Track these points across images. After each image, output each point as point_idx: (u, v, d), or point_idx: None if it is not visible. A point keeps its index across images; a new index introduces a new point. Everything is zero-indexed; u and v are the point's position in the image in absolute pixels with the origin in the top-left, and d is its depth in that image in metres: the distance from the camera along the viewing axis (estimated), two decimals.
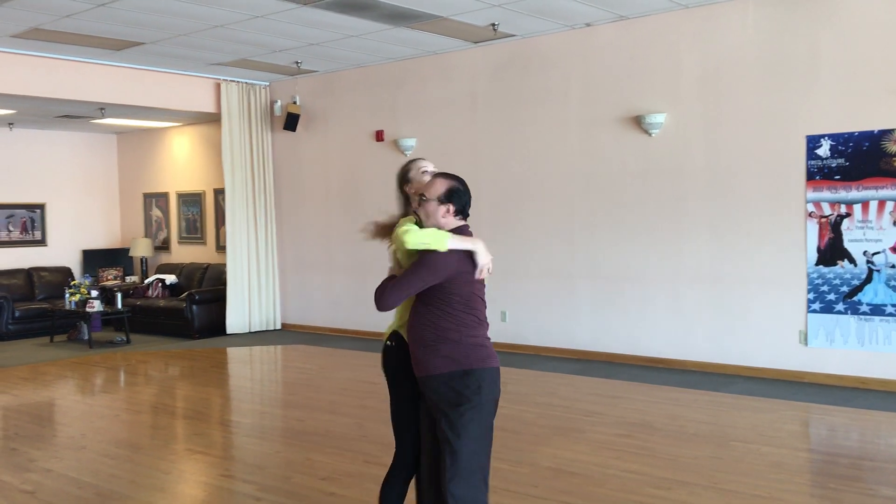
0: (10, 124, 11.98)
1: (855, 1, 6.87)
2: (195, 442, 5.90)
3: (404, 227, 3.10)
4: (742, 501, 4.32)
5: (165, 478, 5.03)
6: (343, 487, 4.67)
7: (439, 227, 3.12)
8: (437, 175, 3.22)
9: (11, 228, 12.38)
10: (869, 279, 6.90)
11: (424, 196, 3.15)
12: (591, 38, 8.35)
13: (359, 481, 4.73)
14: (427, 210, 3.14)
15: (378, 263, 10.01)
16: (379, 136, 10.19)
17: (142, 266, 12.98)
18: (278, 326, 11.46)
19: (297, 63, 9.96)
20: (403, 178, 3.47)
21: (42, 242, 12.71)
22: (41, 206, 12.68)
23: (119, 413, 6.95)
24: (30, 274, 12.14)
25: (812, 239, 7.14)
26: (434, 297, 3.07)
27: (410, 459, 3.32)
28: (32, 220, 12.61)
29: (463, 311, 3.08)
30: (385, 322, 3.47)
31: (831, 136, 7.01)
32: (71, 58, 9.43)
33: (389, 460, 3.43)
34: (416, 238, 3.04)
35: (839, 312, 7.04)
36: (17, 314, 11.19)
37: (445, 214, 3.14)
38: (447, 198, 3.15)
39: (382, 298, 3.04)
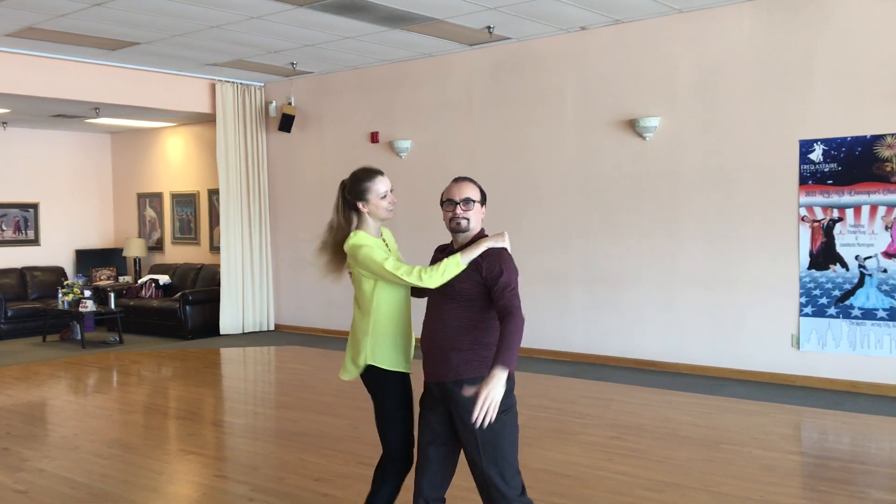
0: (3, 123, 11.95)
1: (850, 7, 6.91)
2: (188, 442, 5.90)
3: (427, 274, 3.06)
4: None
5: (158, 478, 5.03)
6: (337, 488, 4.68)
7: (476, 229, 3.14)
8: (464, 179, 3.19)
9: (4, 228, 12.35)
10: (861, 283, 6.94)
11: (471, 198, 3.12)
12: (586, 41, 8.38)
13: (352, 482, 4.74)
14: (475, 212, 3.12)
15: None
16: (374, 137, 10.20)
17: (135, 266, 12.95)
18: (272, 327, 11.46)
19: (292, 64, 9.96)
20: (361, 191, 3.33)
21: (35, 242, 12.68)
22: (34, 206, 12.65)
23: (112, 413, 6.93)
24: (22, 273, 12.10)
25: (805, 243, 7.18)
26: (477, 301, 3.04)
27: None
28: (25, 220, 12.58)
29: (495, 315, 3.04)
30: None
31: (824, 141, 7.05)
32: (66, 57, 9.42)
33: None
34: (440, 277, 3.06)
35: (831, 316, 7.07)
36: (9, 314, 11.16)
37: (483, 216, 3.19)
38: (483, 199, 3.20)
39: (521, 315, 2.94)
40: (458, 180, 3.19)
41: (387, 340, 3.30)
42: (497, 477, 2.99)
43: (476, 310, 3.04)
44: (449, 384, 3.05)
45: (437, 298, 3.14)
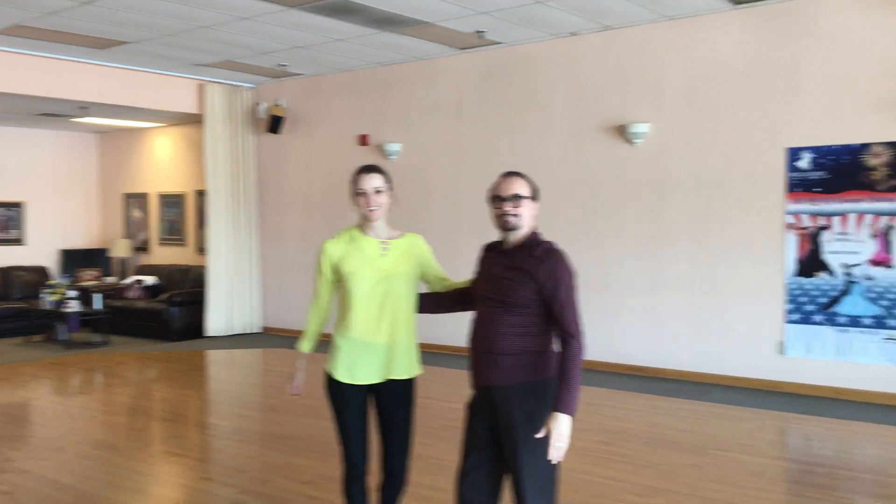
0: None
1: (838, 16, 6.97)
2: (173, 444, 5.86)
3: (308, 313, 3.51)
4: None
5: (144, 480, 5.00)
6: (325, 492, 4.65)
7: (526, 227, 2.99)
8: (514, 174, 3.03)
9: None
10: (847, 291, 6.98)
11: (520, 194, 2.96)
12: (576, 47, 8.41)
13: (340, 486, 4.71)
14: (525, 209, 2.97)
15: None
16: (363, 140, 10.18)
17: (121, 267, 12.87)
18: (259, 329, 11.41)
19: (282, 66, 9.94)
20: (351, 184, 3.38)
21: (19, 241, 12.57)
22: (19, 205, 12.55)
23: (96, 414, 6.88)
24: (6, 273, 11.99)
25: (791, 250, 7.23)
26: (530, 307, 2.93)
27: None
28: (10, 219, 12.47)
29: (546, 321, 2.97)
30: None
31: (812, 149, 7.10)
32: (54, 55, 9.35)
33: (370, 465, 3.43)
34: (304, 326, 3.48)
35: (817, 323, 7.12)
36: None
37: (535, 212, 3.02)
38: (535, 195, 3.03)
39: (581, 339, 2.93)
40: (506, 175, 3.03)
41: (335, 343, 3.36)
42: (531, 485, 2.92)
43: (528, 316, 2.94)
44: (494, 388, 2.97)
45: (489, 304, 3.01)
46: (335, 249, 3.33)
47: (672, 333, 7.94)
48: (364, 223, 3.34)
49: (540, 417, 2.93)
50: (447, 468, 4.97)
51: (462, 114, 9.33)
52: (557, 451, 2.85)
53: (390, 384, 3.31)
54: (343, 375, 3.30)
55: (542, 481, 2.95)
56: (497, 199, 3.00)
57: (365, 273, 3.25)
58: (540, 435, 2.88)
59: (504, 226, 2.99)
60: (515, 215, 2.97)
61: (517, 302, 2.93)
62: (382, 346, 3.27)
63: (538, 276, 2.91)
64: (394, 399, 3.33)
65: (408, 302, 3.32)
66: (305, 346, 3.49)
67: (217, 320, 10.98)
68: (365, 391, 3.32)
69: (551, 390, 2.96)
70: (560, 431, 2.84)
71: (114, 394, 7.83)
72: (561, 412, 2.86)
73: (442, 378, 7.44)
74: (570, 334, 2.92)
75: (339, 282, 3.33)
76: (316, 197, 10.77)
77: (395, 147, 9.84)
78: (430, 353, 8.93)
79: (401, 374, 3.31)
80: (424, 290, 3.47)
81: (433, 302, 3.46)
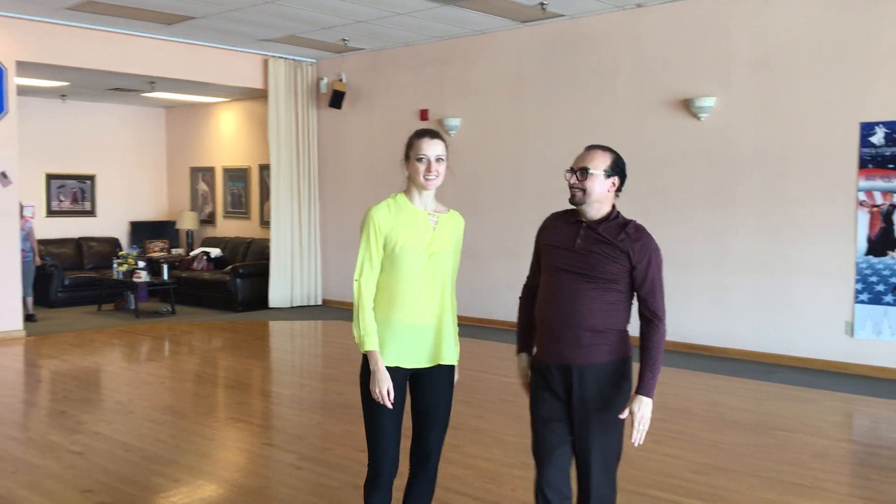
0: (62, 96, 12.21)
1: None
2: (237, 411, 6.01)
3: (356, 284, 2.97)
4: (782, 489, 4.28)
5: (209, 444, 5.14)
6: None
7: (602, 202, 2.90)
8: (593, 147, 2.96)
9: (62, 199, 12.65)
10: None
11: (588, 168, 2.88)
12: (641, 18, 8.24)
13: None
14: (593, 183, 2.87)
15: None
16: (423, 115, 10.18)
17: (187, 239, 13.19)
18: (319, 302, 11.58)
19: (344, 41, 9.98)
20: (406, 146, 3.09)
21: (91, 213, 12.97)
22: (91, 178, 12.94)
23: (164, 381, 7.09)
24: (79, 243, 12.41)
25: (862, 228, 7.00)
26: (617, 284, 2.87)
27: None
28: (83, 191, 12.87)
29: (629, 298, 2.95)
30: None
31: (886, 124, 6.84)
32: (123, 31, 9.56)
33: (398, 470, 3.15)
34: (354, 305, 2.97)
35: (888, 304, 6.90)
36: (66, 282, 11.47)
37: (611, 188, 2.91)
38: (613, 170, 2.91)
39: (665, 323, 2.93)
40: (588, 148, 2.96)
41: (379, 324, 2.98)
42: (598, 463, 2.89)
43: (614, 292, 2.87)
44: (574, 367, 2.87)
45: (568, 277, 2.88)
46: (385, 219, 2.98)
47: (738, 313, 7.79)
48: (413, 191, 3.06)
49: (614, 397, 2.90)
50: (502, 440, 5.01)
51: (523, 88, 9.25)
52: (641, 434, 2.85)
53: (435, 368, 3.02)
54: (389, 359, 2.93)
55: (610, 458, 2.94)
56: (569, 171, 2.97)
57: (416, 247, 2.96)
58: (623, 416, 2.87)
59: (570, 199, 2.95)
60: (581, 189, 2.90)
61: (605, 276, 2.86)
62: (431, 329, 2.98)
63: (633, 253, 2.88)
64: (438, 384, 3.04)
65: (453, 281, 3.08)
66: (375, 341, 2.91)
67: (279, 292, 11.18)
68: (405, 378, 3.00)
69: (627, 370, 2.95)
70: (644, 414, 2.84)
71: (181, 361, 8.06)
72: (645, 395, 2.85)
73: (497, 353, 7.44)
74: (657, 317, 2.91)
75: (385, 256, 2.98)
76: (376, 172, 10.83)
77: (454, 122, 9.81)
78: (484, 328, 9.02)
79: (449, 359, 3.03)
80: None
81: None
